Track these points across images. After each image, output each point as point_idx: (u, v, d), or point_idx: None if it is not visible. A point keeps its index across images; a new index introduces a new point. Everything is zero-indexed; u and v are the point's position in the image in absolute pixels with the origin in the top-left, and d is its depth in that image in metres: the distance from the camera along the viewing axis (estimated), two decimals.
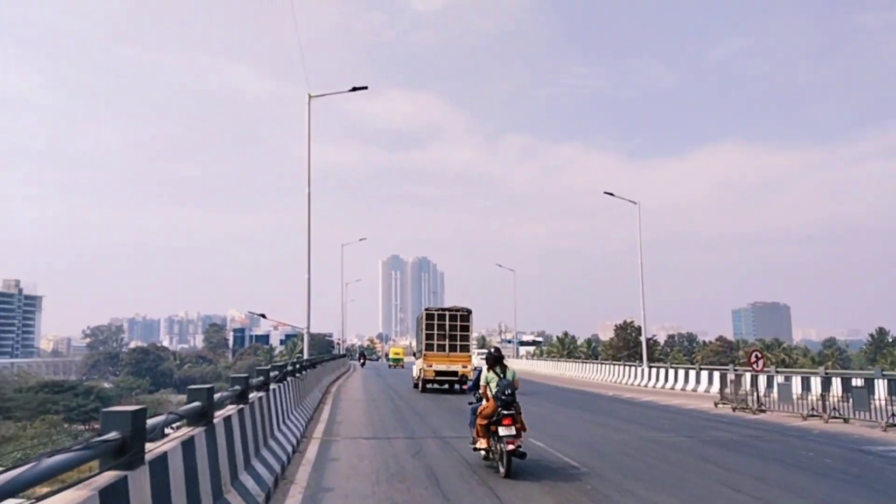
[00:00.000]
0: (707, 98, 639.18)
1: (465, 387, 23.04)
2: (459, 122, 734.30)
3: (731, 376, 20.66)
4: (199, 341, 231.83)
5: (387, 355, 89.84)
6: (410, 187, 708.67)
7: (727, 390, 20.11)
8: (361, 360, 65.24)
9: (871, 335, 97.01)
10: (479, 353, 36.92)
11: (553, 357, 76.27)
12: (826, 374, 19.13)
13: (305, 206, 22.87)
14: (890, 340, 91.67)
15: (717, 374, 26.09)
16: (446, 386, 24.86)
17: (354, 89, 23.06)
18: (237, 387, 7.25)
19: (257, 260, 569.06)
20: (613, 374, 37.64)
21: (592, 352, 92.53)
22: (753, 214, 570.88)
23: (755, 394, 18.63)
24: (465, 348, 24.45)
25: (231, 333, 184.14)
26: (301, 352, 28.61)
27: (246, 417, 7.13)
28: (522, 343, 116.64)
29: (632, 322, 79.23)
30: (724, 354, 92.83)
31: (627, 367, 36.60)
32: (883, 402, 15.21)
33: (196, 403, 5.27)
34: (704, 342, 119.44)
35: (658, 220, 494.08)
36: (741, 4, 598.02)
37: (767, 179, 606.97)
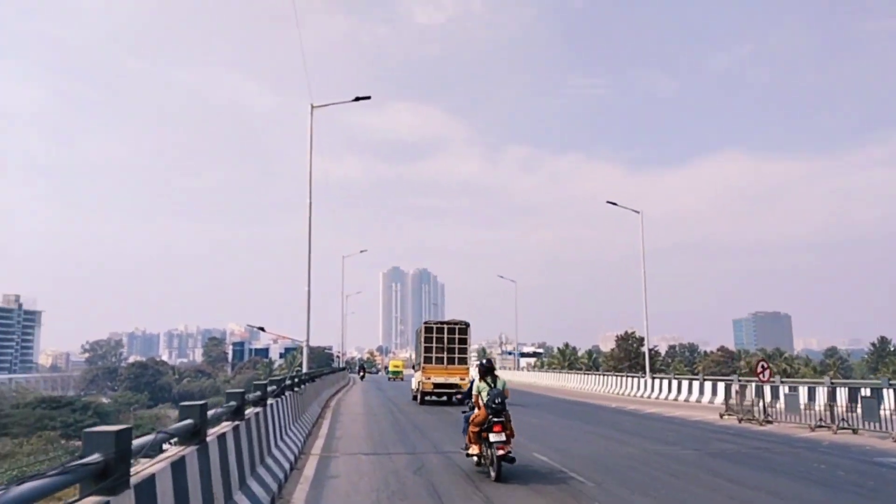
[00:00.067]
0: (709, 107, 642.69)
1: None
2: (461, 134, 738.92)
3: (735, 387, 20.37)
4: (198, 355, 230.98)
5: (386, 368, 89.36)
6: (412, 199, 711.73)
7: (732, 401, 19.85)
8: (361, 374, 64.82)
9: (873, 344, 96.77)
10: (477, 366, 36.63)
11: (554, 369, 75.80)
12: (832, 384, 18.87)
13: (306, 218, 22.68)
14: (892, 349, 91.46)
15: (721, 385, 25.76)
16: (444, 398, 25.02)
17: (357, 99, 22.96)
18: (232, 403, 7.00)
19: (257, 273, 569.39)
20: (616, 386, 37.30)
21: (593, 363, 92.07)
22: (754, 224, 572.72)
23: (761, 404, 18.37)
24: (464, 361, 24.64)
25: (230, 347, 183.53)
26: (300, 365, 28.33)
27: (241, 435, 6.88)
28: (524, 355, 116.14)
29: (633, 333, 78.81)
30: (725, 364, 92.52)
31: (630, 379, 36.26)
32: (891, 413, 14.96)
33: (188, 421, 5.01)
34: (706, 352, 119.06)
35: (660, 230, 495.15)
36: (743, 12, 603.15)
37: (769, 188, 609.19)
